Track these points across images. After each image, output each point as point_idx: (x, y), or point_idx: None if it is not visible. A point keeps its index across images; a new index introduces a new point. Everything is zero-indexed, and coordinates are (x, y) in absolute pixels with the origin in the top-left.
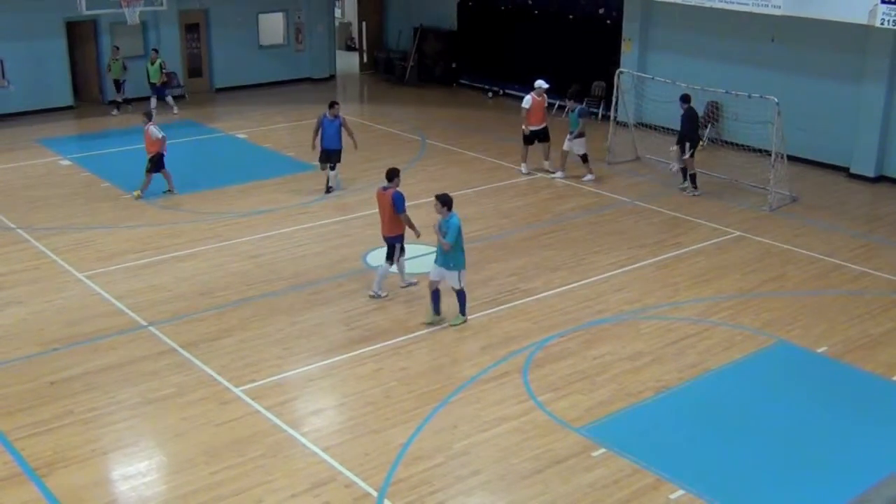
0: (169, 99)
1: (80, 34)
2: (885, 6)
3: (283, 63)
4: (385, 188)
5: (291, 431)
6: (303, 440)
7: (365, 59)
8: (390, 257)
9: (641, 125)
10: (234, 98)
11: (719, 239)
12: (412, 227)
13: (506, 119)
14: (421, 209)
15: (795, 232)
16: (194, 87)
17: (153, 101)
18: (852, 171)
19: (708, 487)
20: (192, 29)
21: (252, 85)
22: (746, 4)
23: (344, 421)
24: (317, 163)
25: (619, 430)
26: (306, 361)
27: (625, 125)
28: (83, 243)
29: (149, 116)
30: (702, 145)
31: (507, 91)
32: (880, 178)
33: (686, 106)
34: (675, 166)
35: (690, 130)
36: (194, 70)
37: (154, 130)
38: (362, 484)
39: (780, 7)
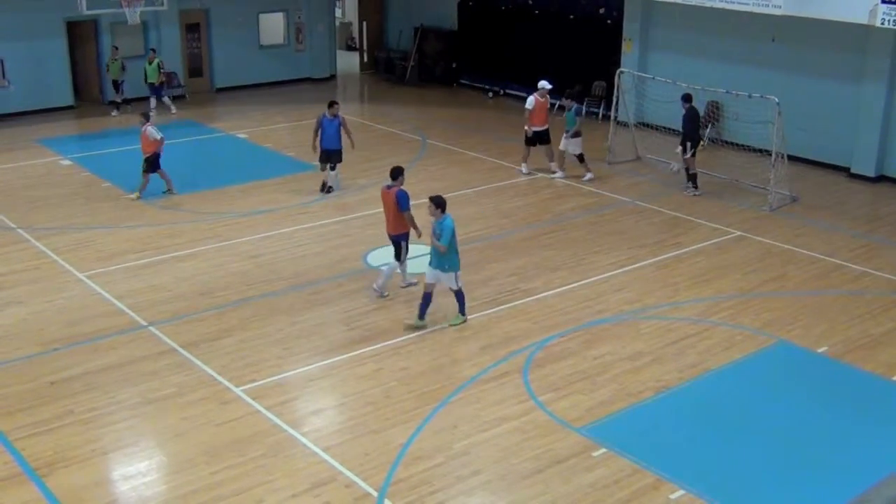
0: (166, 99)
1: (80, 34)
2: (885, 6)
3: (283, 63)
4: (389, 186)
5: (292, 431)
6: (303, 440)
7: (365, 59)
8: (398, 255)
9: (642, 125)
10: (235, 98)
11: (719, 239)
12: (414, 226)
13: (506, 119)
14: (421, 209)
15: (796, 232)
16: (195, 86)
17: (153, 102)
18: (853, 170)
19: (708, 487)
20: (193, 29)
21: (252, 85)
22: (747, 4)
23: (344, 421)
24: (317, 163)
25: (619, 430)
26: (306, 361)
27: (625, 125)
28: (83, 243)
29: (146, 117)
30: (702, 145)
31: (507, 91)
32: (881, 178)
33: (688, 105)
34: (676, 166)
35: (691, 130)
36: (195, 70)
37: (152, 131)
38: (362, 484)
39: (780, 7)
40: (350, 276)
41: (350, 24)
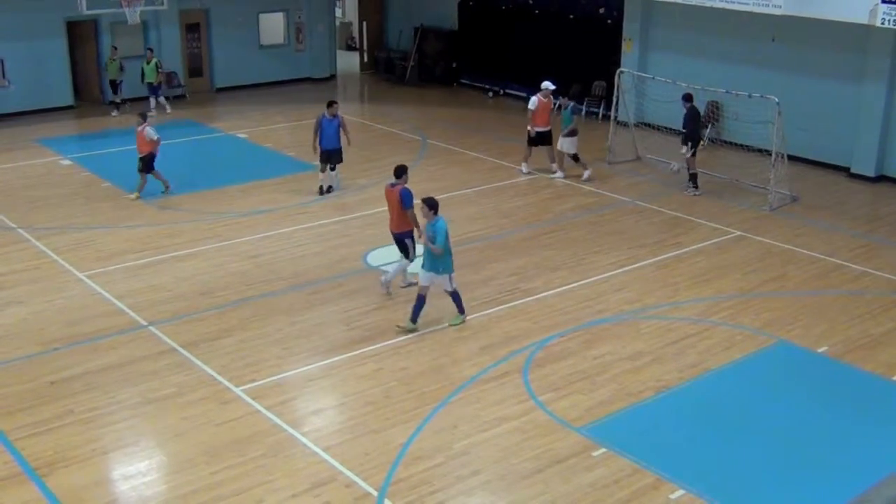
0: (161, 99)
1: (80, 34)
2: (885, 6)
3: (283, 63)
4: (393, 184)
5: (292, 431)
6: (303, 440)
7: (365, 59)
8: (405, 253)
9: (642, 125)
10: (235, 98)
11: (719, 239)
12: (416, 224)
13: (506, 119)
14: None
15: (796, 232)
16: (195, 86)
17: (152, 102)
18: (853, 170)
19: (708, 487)
20: (193, 29)
21: (252, 85)
22: (747, 4)
23: (344, 421)
24: (317, 163)
25: (619, 429)
26: (306, 361)
27: (625, 125)
28: (83, 243)
29: (144, 117)
30: (702, 145)
31: (507, 91)
32: (881, 178)
33: (689, 105)
34: (676, 166)
35: (693, 129)
36: (195, 70)
37: (150, 131)
38: (362, 484)
39: (780, 7)
40: (350, 276)
41: (350, 23)
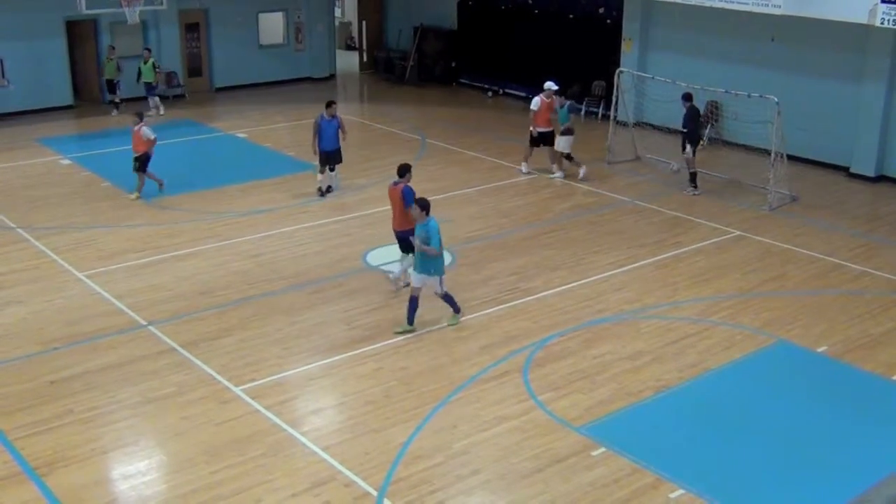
0: (157, 99)
1: (80, 33)
2: (885, 6)
3: (283, 62)
4: (396, 183)
5: (291, 431)
6: (303, 439)
7: (365, 59)
8: (410, 251)
9: (641, 125)
10: (234, 97)
11: (719, 238)
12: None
13: (506, 119)
14: None
15: (795, 231)
16: (194, 86)
17: (152, 102)
18: (852, 170)
19: (708, 487)
20: (192, 28)
21: (252, 84)
22: (746, 4)
23: (344, 420)
24: (316, 164)
25: (619, 429)
26: (306, 361)
27: (625, 125)
28: (83, 243)
29: (140, 116)
30: (702, 144)
31: (506, 91)
32: (880, 178)
33: (688, 104)
34: (676, 165)
35: (693, 129)
36: (194, 69)
37: (147, 131)
38: (362, 483)
39: (780, 6)
40: (350, 276)
41: (349, 23)
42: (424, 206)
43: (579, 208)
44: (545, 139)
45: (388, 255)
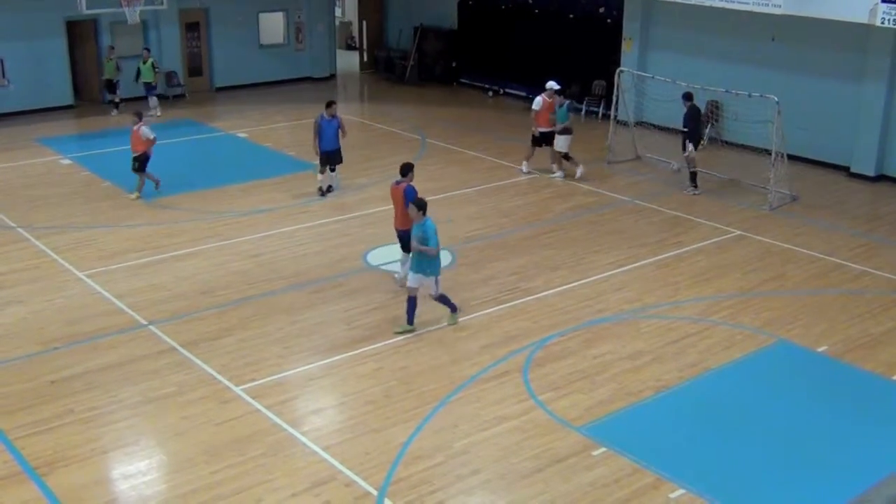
0: (155, 100)
1: (80, 33)
2: (885, 5)
3: (283, 62)
4: (398, 182)
5: (292, 430)
6: (303, 439)
7: (365, 59)
8: (410, 250)
9: (642, 124)
10: (235, 97)
11: (720, 238)
12: None
13: (506, 118)
14: None
15: (796, 231)
16: (194, 86)
17: (151, 102)
18: (852, 170)
19: (708, 487)
20: (193, 28)
21: (252, 84)
22: (747, 3)
23: (344, 420)
24: (317, 164)
25: (619, 429)
26: (307, 360)
27: (625, 124)
28: (83, 242)
29: (139, 116)
30: (702, 144)
31: (507, 90)
32: (880, 178)
33: (689, 104)
34: (676, 165)
35: (693, 128)
36: (194, 69)
37: (146, 131)
38: (362, 483)
39: (780, 6)
40: (350, 276)
41: (350, 23)
42: (421, 206)
43: (580, 208)
44: (547, 139)
45: (389, 255)
